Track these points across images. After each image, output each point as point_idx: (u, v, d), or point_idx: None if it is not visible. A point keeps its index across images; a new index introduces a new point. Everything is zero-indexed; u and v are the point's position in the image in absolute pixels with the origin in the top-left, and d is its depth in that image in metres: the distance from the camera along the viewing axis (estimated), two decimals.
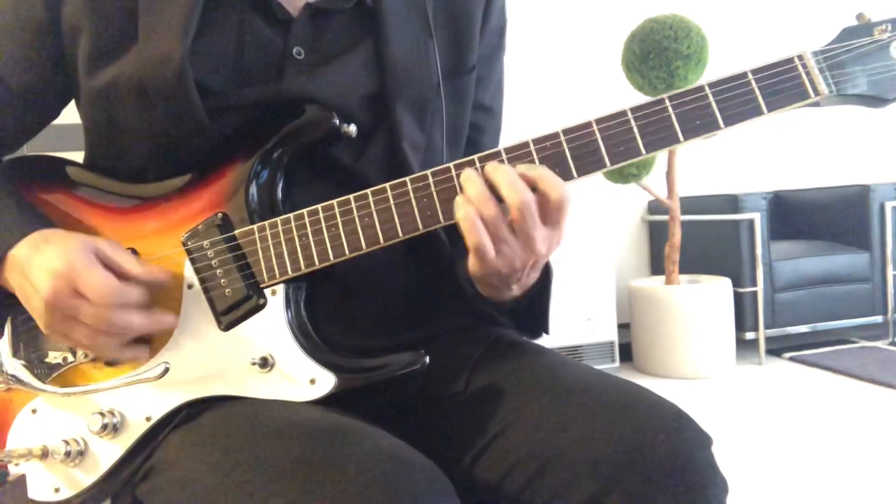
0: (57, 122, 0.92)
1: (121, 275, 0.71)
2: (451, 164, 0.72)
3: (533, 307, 0.83)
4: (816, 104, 0.70)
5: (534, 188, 0.69)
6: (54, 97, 0.86)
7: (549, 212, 0.70)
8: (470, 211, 0.69)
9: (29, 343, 0.79)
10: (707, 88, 0.69)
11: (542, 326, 0.86)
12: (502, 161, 0.71)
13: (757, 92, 0.69)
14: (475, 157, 0.72)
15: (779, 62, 0.70)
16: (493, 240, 0.69)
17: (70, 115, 0.90)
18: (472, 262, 0.72)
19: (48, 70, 0.82)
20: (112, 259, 0.71)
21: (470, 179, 0.70)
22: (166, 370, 0.73)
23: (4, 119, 0.85)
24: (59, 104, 0.88)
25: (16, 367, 0.77)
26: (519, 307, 0.81)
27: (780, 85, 0.69)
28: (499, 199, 0.69)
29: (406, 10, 0.84)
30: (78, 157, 0.88)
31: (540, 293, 0.82)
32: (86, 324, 0.70)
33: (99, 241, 0.73)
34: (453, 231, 0.72)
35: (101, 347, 0.73)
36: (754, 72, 0.69)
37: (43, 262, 0.70)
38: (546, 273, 0.81)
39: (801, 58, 0.69)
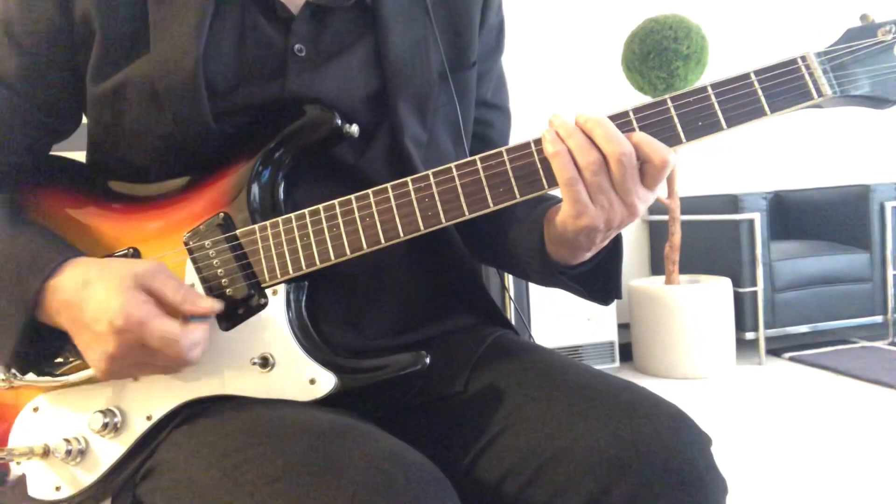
0: None
1: (179, 311, 0.69)
2: (452, 165, 0.72)
3: (605, 270, 0.80)
4: (819, 105, 0.70)
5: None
6: (67, 106, 0.83)
7: (650, 172, 0.68)
8: (562, 148, 0.68)
9: None
10: (710, 89, 0.69)
11: (614, 290, 0.82)
12: (503, 161, 0.71)
13: (760, 93, 0.69)
14: (476, 157, 0.71)
15: (782, 63, 0.69)
16: (592, 189, 0.68)
17: None
18: (568, 213, 0.70)
19: (62, 79, 0.80)
20: (166, 297, 0.69)
21: (565, 125, 0.69)
22: None
23: (23, 132, 0.82)
24: (73, 113, 0.85)
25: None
26: (586, 272, 0.79)
27: (783, 86, 0.69)
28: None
29: (405, 7, 0.85)
30: (78, 156, 0.88)
31: (611, 254, 0.79)
32: (156, 366, 0.70)
33: (141, 275, 0.69)
34: (465, 225, 0.72)
35: (168, 373, 0.73)
36: (757, 73, 0.69)
37: (96, 314, 0.67)
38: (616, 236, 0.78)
39: (804, 59, 0.69)
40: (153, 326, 0.66)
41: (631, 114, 0.70)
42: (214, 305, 0.71)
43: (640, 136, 0.68)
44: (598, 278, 0.80)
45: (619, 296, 0.82)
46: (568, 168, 0.67)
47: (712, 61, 3.03)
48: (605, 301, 0.82)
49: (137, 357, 0.68)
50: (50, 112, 0.82)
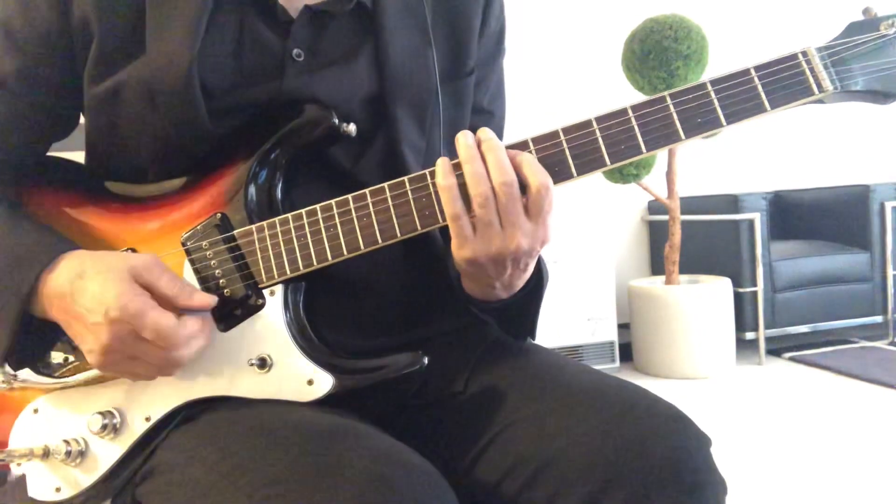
0: None
1: (174, 305, 0.69)
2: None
3: (520, 311, 0.82)
4: (821, 101, 0.69)
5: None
6: (65, 107, 0.83)
7: (530, 199, 0.69)
8: (452, 182, 0.69)
9: None
10: (709, 86, 0.69)
11: (527, 331, 0.85)
12: None
13: (760, 89, 0.69)
14: None
15: (782, 58, 0.69)
16: (477, 223, 0.69)
17: None
18: (453, 244, 0.71)
19: (61, 81, 0.80)
20: (160, 290, 0.68)
21: (467, 150, 0.70)
22: None
23: (21, 133, 0.82)
24: (71, 115, 0.85)
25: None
26: (504, 309, 0.80)
27: (784, 81, 0.68)
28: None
29: (405, 13, 0.84)
30: (77, 156, 0.87)
31: (529, 298, 0.80)
32: (150, 363, 0.68)
33: (137, 267, 0.68)
34: (447, 230, 0.72)
35: (163, 374, 0.72)
36: (757, 68, 0.69)
37: (91, 305, 0.67)
38: (539, 279, 0.80)
39: (805, 54, 0.69)
40: (148, 318, 0.66)
41: (629, 111, 0.70)
42: (209, 300, 0.71)
43: (523, 158, 0.69)
44: (509, 318, 0.83)
45: (532, 337, 0.85)
46: (454, 204, 0.69)
47: (712, 61, 3.03)
48: (516, 339, 0.85)
49: (131, 350, 0.67)
50: (49, 114, 0.83)
